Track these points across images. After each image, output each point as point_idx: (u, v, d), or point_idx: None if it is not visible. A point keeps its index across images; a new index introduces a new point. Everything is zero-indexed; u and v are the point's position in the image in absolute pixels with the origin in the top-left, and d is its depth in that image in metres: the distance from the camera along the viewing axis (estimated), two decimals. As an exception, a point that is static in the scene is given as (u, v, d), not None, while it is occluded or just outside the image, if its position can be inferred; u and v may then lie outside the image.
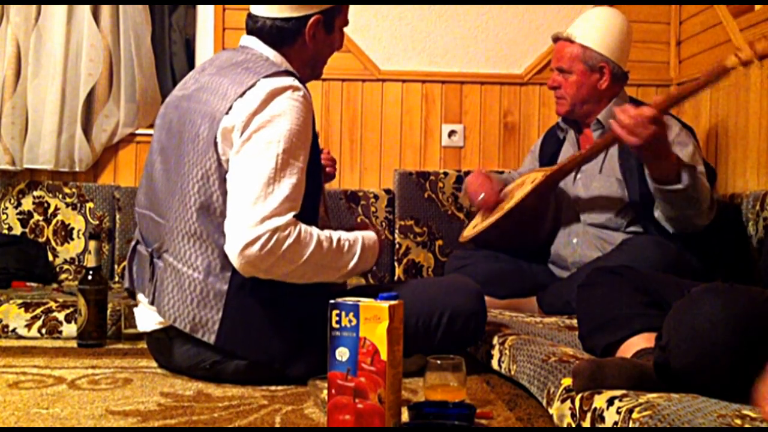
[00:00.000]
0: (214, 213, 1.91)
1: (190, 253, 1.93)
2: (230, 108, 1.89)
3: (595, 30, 2.69)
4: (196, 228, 1.92)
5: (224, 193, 1.90)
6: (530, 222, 2.73)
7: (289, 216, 1.83)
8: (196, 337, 1.93)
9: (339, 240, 1.93)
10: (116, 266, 3.32)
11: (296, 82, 1.95)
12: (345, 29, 2.16)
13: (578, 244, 2.69)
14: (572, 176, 2.73)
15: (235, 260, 1.82)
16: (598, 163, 2.68)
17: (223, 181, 1.90)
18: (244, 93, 1.90)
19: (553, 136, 2.91)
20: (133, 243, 2.17)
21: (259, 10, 2.04)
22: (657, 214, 2.48)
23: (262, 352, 1.94)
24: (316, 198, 2.03)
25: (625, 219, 2.61)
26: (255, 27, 2.06)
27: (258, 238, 1.79)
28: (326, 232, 1.92)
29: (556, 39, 2.77)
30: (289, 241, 1.82)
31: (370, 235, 2.03)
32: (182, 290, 1.93)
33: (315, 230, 1.89)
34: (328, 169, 2.51)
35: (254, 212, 1.80)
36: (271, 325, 1.94)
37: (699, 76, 2.23)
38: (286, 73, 1.98)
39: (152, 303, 2.00)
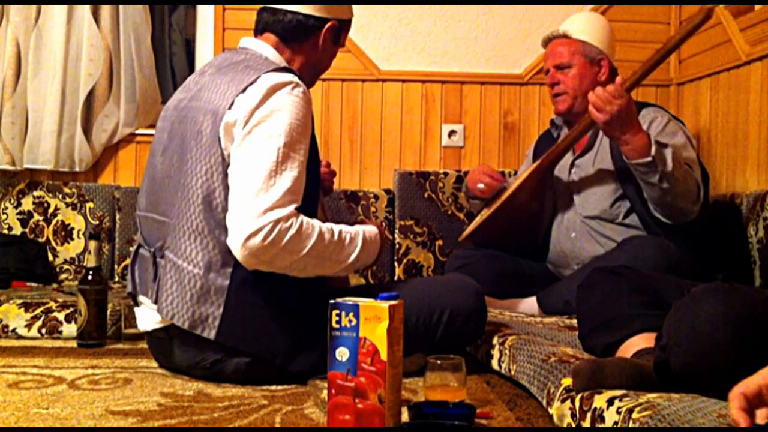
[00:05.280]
0: (215, 209, 1.92)
1: (191, 249, 1.93)
2: (232, 104, 1.91)
3: (590, 26, 2.76)
4: (198, 224, 1.92)
5: (226, 188, 1.91)
6: (526, 219, 2.75)
7: (291, 208, 1.84)
8: (195, 333, 1.93)
9: (341, 233, 1.94)
10: (116, 266, 3.32)
11: (297, 79, 1.97)
12: None
13: (576, 238, 2.71)
14: (567, 171, 2.76)
15: (237, 252, 1.83)
16: (592, 156, 2.72)
17: (225, 176, 1.91)
18: (245, 89, 1.92)
19: (547, 134, 2.94)
20: (135, 247, 2.17)
21: (283, 4, 2.08)
22: (650, 205, 2.51)
23: (264, 347, 1.94)
24: (315, 193, 2.05)
25: (620, 210, 2.63)
26: (271, 19, 2.09)
27: (261, 229, 1.80)
28: (328, 225, 1.93)
29: (549, 39, 2.81)
30: (291, 232, 1.83)
31: (371, 228, 2.04)
32: (182, 286, 1.93)
33: (317, 222, 1.90)
34: (326, 183, 2.44)
35: (257, 204, 1.82)
36: (273, 321, 1.94)
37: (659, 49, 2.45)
38: (287, 69, 2.00)
39: (155, 302, 2.00)
